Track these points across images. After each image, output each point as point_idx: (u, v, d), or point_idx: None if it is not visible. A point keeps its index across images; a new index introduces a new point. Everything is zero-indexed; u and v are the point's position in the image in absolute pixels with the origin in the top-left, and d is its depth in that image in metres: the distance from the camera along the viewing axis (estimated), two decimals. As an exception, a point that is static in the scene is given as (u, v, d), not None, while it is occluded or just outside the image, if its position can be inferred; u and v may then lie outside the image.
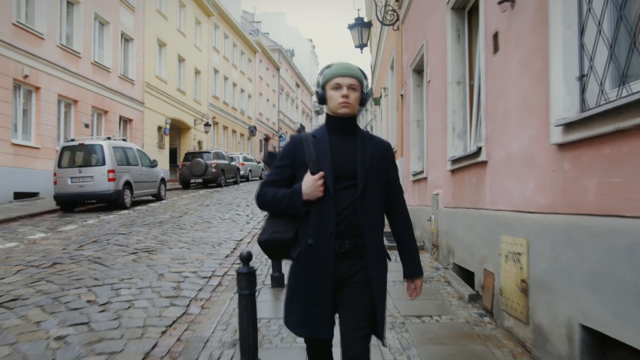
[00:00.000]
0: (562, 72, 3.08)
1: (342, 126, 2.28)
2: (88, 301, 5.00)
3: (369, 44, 15.18)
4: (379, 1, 11.69)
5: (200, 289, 5.59)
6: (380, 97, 16.44)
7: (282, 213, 2.26)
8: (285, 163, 2.29)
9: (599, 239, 2.65)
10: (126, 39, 21.92)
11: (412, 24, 9.05)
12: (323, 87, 2.29)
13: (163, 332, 4.27)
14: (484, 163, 4.68)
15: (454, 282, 5.39)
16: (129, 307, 4.87)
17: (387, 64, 13.99)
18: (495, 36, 4.36)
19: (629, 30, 2.58)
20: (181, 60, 27.65)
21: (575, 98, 3.03)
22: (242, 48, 38.63)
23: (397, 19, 10.47)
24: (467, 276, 5.39)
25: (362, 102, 2.30)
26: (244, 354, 3.03)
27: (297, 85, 58.54)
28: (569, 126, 2.95)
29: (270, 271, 5.77)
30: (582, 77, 3.01)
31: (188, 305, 5.01)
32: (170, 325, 4.45)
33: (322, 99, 2.29)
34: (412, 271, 2.34)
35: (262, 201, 2.28)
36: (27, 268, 6.34)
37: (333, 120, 2.28)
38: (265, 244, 2.27)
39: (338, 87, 2.21)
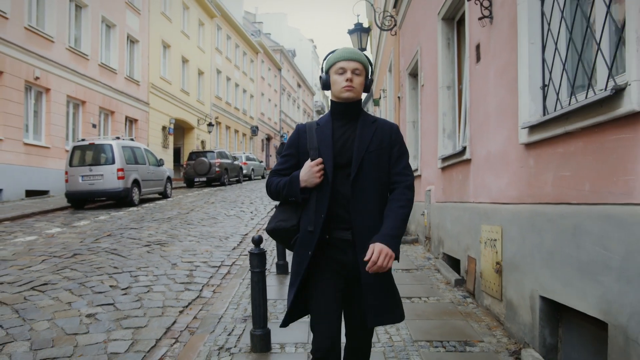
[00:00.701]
0: (527, 82, 3.60)
1: (346, 112, 2.25)
2: (111, 286, 5.53)
3: (369, 46, 15.71)
4: (378, 7, 12.20)
5: (211, 277, 6.12)
6: (380, 98, 16.96)
7: (286, 201, 2.31)
8: (290, 152, 2.32)
9: (553, 223, 3.17)
10: (132, 41, 22.44)
11: (408, 30, 9.57)
12: (327, 72, 2.27)
13: (180, 312, 4.80)
14: (469, 161, 5.20)
15: (442, 269, 5.92)
16: (147, 291, 5.40)
17: (385, 67, 14.52)
18: (478, 47, 4.88)
19: (577, 50, 3.10)
20: (185, 61, 28.18)
21: (538, 105, 3.55)
22: (244, 49, 39.17)
23: (395, 25, 10.98)
24: (454, 264, 5.91)
25: (367, 87, 2.28)
26: (256, 322, 3.56)
27: (299, 86, 59.11)
28: (532, 128, 3.47)
29: (275, 260, 6.31)
30: (544, 87, 3.53)
31: (201, 290, 5.54)
32: (187, 306, 4.97)
33: (326, 84, 2.28)
34: (377, 236, 2.11)
35: (269, 190, 2.34)
36: (50, 258, 6.87)
37: (337, 106, 2.27)
38: (272, 232, 2.31)
39: (342, 71, 2.19)
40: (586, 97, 2.79)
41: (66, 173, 13.64)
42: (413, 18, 8.97)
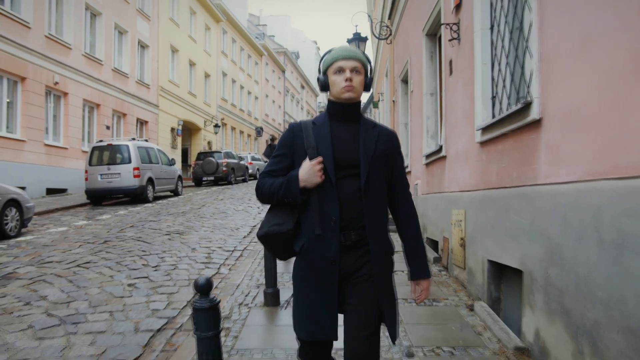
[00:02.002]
0: (481, 93, 4.58)
1: (345, 112, 2.15)
2: (142, 264, 6.53)
3: (370, 51, 16.66)
4: (375, 18, 13.18)
5: (226, 258, 7.11)
6: (379, 101, 17.95)
7: (281, 204, 2.16)
8: (283, 152, 2.18)
9: (494, 203, 4.15)
10: (142, 46, 23.48)
11: (401, 41, 10.56)
12: (325, 73, 2.16)
13: (204, 283, 5.79)
14: (444, 157, 6.18)
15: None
16: (174, 269, 6.39)
17: (383, 72, 15.51)
18: (450, 63, 5.86)
19: (512, 71, 4.08)
20: (192, 64, 29.22)
21: (489, 111, 4.53)
22: (249, 52, 40.21)
23: (390, 34, 11.96)
24: (435, 245, 6.89)
25: (367, 86, 2.18)
26: (268, 283, 4.57)
27: (302, 87, 60.16)
28: (483, 130, 4.45)
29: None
30: (493, 98, 4.51)
31: (219, 268, 6.53)
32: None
33: (325, 86, 2.17)
34: (418, 272, 2.18)
35: (260, 192, 2.18)
36: (85, 244, 7.88)
37: (335, 106, 2.16)
38: (264, 238, 2.15)
39: (341, 70, 2.09)
40: (511, 107, 3.78)
41: (86, 172, 14.66)
42: (404, 30, 9.95)
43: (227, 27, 35.04)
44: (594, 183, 2.57)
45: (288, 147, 2.17)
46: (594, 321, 2.53)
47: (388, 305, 2.09)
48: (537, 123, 3.30)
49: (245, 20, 44.78)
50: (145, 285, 5.58)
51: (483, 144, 4.53)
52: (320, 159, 2.05)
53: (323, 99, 71.92)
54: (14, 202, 8.73)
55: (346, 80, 2.07)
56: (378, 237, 2.10)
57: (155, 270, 6.27)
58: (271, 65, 46.62)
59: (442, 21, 5.99)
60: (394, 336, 2.09)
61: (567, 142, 2.91)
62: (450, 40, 5.54)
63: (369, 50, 24.79)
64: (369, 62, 2.19)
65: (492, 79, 4.51)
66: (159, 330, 4.23)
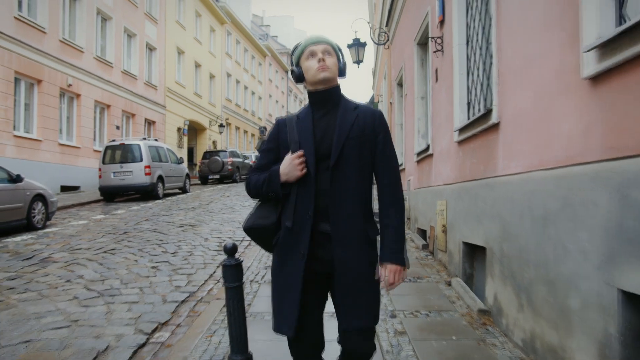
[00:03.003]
0: (458, 99, 5.32)
1: (325, 99, 2.14)
2: (162, 251, 7.29)
3: (371, 54, 17.37)
4: (375, 25, 13.91)
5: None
6: (378, 102, 18.69)
7: (267, 198, 2.17)
8: (269, 147, 2.20)
9: (468, 193, 4.89)
10: (150, 49, 24.26)
11: (396, 47, 11.30)
12: (297, 64, 2.18)
13: (217, 267, 6.54)
14: (431, 155, 6.92)
15: (415, 239, 7.65)
16: (190, 255, 7.14)
17: (382, 75, 16.25)
18: (436, 71, 6.60)
19: (481, 81, 4.82)
20: (197, 66, 30.00)
21: (465, 115, 5.27)
22: (252, 53, 40.99)
23: (388, 39, 12.70)
24: (423, 235, 7.64)
25: (341, 71, 2.17)
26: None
27: (305, 87, 60.81)
28: (460, 131, 5.19)
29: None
30: (468, 103, 5.25)
31: (230, 254, 7.28)
32: (221, 264, 6.71)
33: (300, 77, 2.17)
34: (383, 254, 2.07)
35: (248, 188, 2.21)
36: (107, 235, 8.64)
37: (315, 96, 2.16)
38: (248, 230, 2.20)
39: (312, 54, 2.10)
40: (479, 112, 4.52)
41: (99, 170, 15.44)
42: (399, 38, 10.70)
43: (231, 29, 35.81)
44: (530, 173, 3.31)
45: (274, 142, 2.19)
46: (529, 280, 3.27)
47: (347, 295, 2.05)
48: (496, 126, 4.04)
49: (249, 21, 45.53)
50: (167, 267, 6.34)
51: (460, 143, 5.27)
52: (300, 152, 2.05)
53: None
54: (40, 197, 9.51)
55: (319, 61, 2.08)
56: (347, 219, 2.03)
57: (174, 256, 7.03)
58: (274, 66, 47.40)
59: (429, 34, 6.73)
60: (347, 326, 2.07)
61: (515, 141, 3.65)
62: (434, 52, 6.28)
63: (369, 53, 25.48)
64: (339, 49, 2.20)
65: (468, 87, 5.25)
66: (183, 301, 4.99)
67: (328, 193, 2.03)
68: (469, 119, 5.19)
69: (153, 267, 6.31)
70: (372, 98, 23.30)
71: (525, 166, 3.44)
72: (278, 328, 2.11)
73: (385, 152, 2.12)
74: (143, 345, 3.84)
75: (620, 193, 2.24)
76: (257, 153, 32.45)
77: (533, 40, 3.31)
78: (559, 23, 2.87)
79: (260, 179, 2.14)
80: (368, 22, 13.04)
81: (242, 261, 3.03)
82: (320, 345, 2.23)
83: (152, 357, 3.62)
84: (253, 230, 2.18)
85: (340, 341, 2.14)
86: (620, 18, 2.40)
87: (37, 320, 4.28)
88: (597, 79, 2.47)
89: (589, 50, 2.46)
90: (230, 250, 3.00)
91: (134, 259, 6.76)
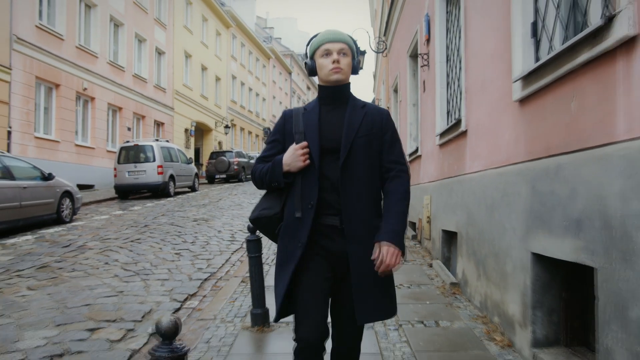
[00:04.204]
0: (439, 108, 6.25)
1: (335, 96, 2.16)
2: (182, 241, 8.23)
3: (372, 59, 18.28)
4: (375, 30, 14.83)
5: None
6: (378, 105, 19.65)
7: (270, 188, 2.22)
8: (276, 138, 2.23)
9: (445, 188, 5.82)
10: (159, 53, 25.23)
11: (393, 56, 12.24)
12: (312, 57, 2.19)
13: (232, 253, 7.47)
14: (420, 156, 7.85)
15: (405, 230, 8.59)
16: (207, 244, 8.08)
17: (381, 80, 17.19)
18: (424, 82, 7.53)
19: (456, 94, 5.74)
20: (204, 69, 30.97)
21: (444, 122, 6.19)
22: (257, 55, 41.97)
23: (386, 48, 13.63)
24: (413, 227, 8.56)
25: (354, 69, 2.18)
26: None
27: (308, 88, 61.92)
28: (440, 135, 6.12)
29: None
30: (448, 112, 6.18)
31: (242, 243, 8.21)
32: (235, 251, 7.65)
33: (312, 70, 2.18)
34: (381, 235, 2.04)
35: (254, 178, 2.26)
36: (129, 227, 9.59)
37: (325, 90, 2.18)
38: (255, 221, 2.25)
39: (328, 53, 2.11)
40: (453, 121, 5.45)
41: (115, 169, 16.41)
42: (395, 48, 11.63)
43: (236, 32, 36.77)
44: (485, 171, 4.23)
45: (280, 133, 2.22)
46: (484, 254, 4.20)
47: (362, 290, 2.06)
48: (464, 133, 4.97)
49: (253, 24, 46.50)
50: (188, 254, 7.28)
51: (441, 146, 6.20)
52: (304, 143, 2.08)
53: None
54: (68, 194, 10.47)
55: (333, 62, 2.08)
56: (359, 215, 2.05)
57: (193, 244, 7.97)
58: (278, 68, 48.37)
59: (418, 51, 7.65)
60: (363, 319, 2.08)
61: (477, 146, 4.58)
62: (422, 66, 7.22)
63: (370, 59, 26.40)
64: (356, 45, 2.19)
65: (447, 98, 6.18)
66: (205, 279, 5.92)
67: (336, 188, 2.05)
68: (447, 125, 6.11)
69: (176, 254, 7.25)
70: (373, 101, 24.24)
71: (482, 165, 4.37)
72: (278, 315, 2.13)
73: (393, 150, 2.16)
74: (178, 309, 4.78)
75: (532, 185, 3.16)
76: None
77: (487, 67, 4.24)
78: (502, 57, 3.79)
79: (264, 169, 2.18)
80: (367, 32, 13.97)
81: (261, 237, 3.96)
82: (325, 330, 2.08)
83: (187, 317, 4.55)
84: (258, 220, 2.23)
85: (338, 338, 2.20)
86: (537, 58, 3.32)
87: (91, 290, 5.24)
88: (522, 102, 3.40)
89: (516, 81, 3.39)
90: (252, 229, 3.94)
91: (158, 247, 7.71)
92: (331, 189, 2.06)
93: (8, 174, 8.77)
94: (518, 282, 3.38)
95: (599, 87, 2.38)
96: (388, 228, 2.04)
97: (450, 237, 5.90)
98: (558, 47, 2.90)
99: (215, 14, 32.47)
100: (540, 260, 3.10)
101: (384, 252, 1.99)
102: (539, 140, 3.12)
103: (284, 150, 2.16)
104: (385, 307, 2.11)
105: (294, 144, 2.10)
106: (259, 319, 3.99)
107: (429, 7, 6.92)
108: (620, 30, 2.13)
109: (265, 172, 2.16)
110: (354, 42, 2.17)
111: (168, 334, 1.58)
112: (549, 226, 2.89)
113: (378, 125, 2.13)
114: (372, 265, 2.01)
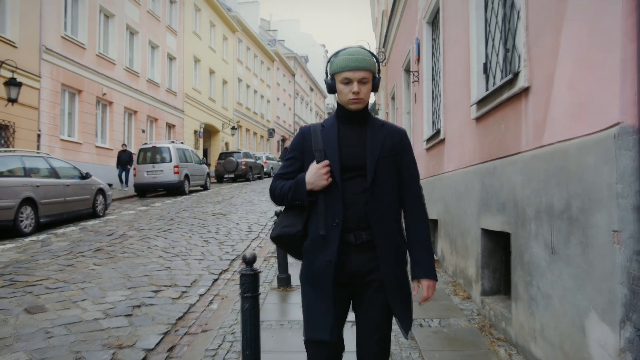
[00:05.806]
0: (426, 118, 7.52)
1: (353, 117, 2.18)
2: (207, 231, 9.52)
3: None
4: (376, 37, 16.07)
5: (262, 228, 10.08)
6: (379, 108, 20.91)
7: (291, 205, 2.21)
8: (294, 155, 2.23)
9: (430, 184, 7.08)
10: (170, 58, 26.53)
11: (391, 66, 13.52)
12: (332, 77, 2.15)
13: (252, 240, 8.75)
14: (412, 158, 9.12)
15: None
16: (229, 234, 9.36)
17: (381, 87, 18.47)
18: (415, 95, 8.80)
19: (440, 108, 7.00)
20: (212, 72, 32.27)
21: (430, 130, 7.46)
22: (261, 58, 43.26)
23: (385, 58, 14.89)
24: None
25: (375, 87, 2.16)
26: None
27: (311, 89, 63.21)
28: (427, 141, 7.38)
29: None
30: (433, 122, 7.45)
31: (259, 233, 9.50)
32: (254, 239, 8.92)
33: (332, 89, 2.17)
34: (418, 271, 2.14)
35: (273, 195, 2.25)
36: (158, 220, 10.88)
37: (343, 111, 2.18)
38: (276, 239, 2.25)
39: (348, 82, 2.08)
40: (435, 130, 6.72)
41: (134, 169, 17.71)
42: (393, 59, 12.90)
43: (242, 37, 38.06)
44: (456, 171, 5.50)
45: (298, 150, 2.22)
46: (455, 235, 5.46)
47: (399, 305, 2.11)
48: (443, 141, 6.24)
49: (257, 26, 47.76)
50: (214, 241, 8.56)
51: (427, 149, 7.46)
52: (326, 162, 2.09)
53: (331, 100, 74.72)
54: (101, 191, 11.78)
55: (354, 93, 2.07)
56: (386, 238, 2.09)
57: (216, 234, 9.25)
58: (282, 70, 49.66)
59: (410, 68, 8.93)
60: (407, 328, 2.13)
61: (451, 151, 5.84)
62: (413, 81, 8.49)
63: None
64: (377, 62, 2.18)
65: (432, 110, 7.45)
66: (233, 260, 7.20)
67: (360, 205, 2.08)
68: (432, 132, 7.38)
69: (205, 241, 8.54)
70: (374, 104, 25.52)
71: (454, 166, 5.63)
72: (312, 334, 2.11)
73: (410, 170, 2.21)
74: (216, 280, 6.06)
75: (481, 180, 4.43)
76: (268, 154, 34.77)
77: (457, 91, 5.51)
78: (466, 84, 5.06)
79: (285, 186, 2.17)
80: (368, 43, 15.19)
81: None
82: (341, 350, 2.20)
83: (225, 286, 5.83)
84: (280, 238, 2.22)
85: (360, 346, 2.18)
86: (487, 89, 4.59)
87: (144, 267, 6.53)
88: (477, 120, 4.66)
89: (472, 105, 4.66)
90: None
91: (187, 235, 9.00)
92: (353, 206, 2.09)
93: (54, 173, 10.08)
94: (474, 251, 4.65)
95: (515, 115, 3.65)
96: (424, 265, 2.15)
97: (434, 225, 7.17)
98: (498, 83, 4.18)
99: (222, 20, 33.77)
100: (486, 233, 4.37)
101: (424, 287, 2.14)
102: (486, 149, 4.39)
103: (303, 166, 2.19)
104: (411, 315, 2.21)
105: (314, 162, 2.12)
106: (283, 282, 5.29)
107: (418, 32, 8.20)
108: (521, 82, 3.40)
109: (287, 190, 2.16)
110: (376, 59, 2.16)
111: (251, 261, 2.94)
112: (490, 208, 4.17)
113: (398, 146, 2.17)
114: (400, 282, 2.12)
